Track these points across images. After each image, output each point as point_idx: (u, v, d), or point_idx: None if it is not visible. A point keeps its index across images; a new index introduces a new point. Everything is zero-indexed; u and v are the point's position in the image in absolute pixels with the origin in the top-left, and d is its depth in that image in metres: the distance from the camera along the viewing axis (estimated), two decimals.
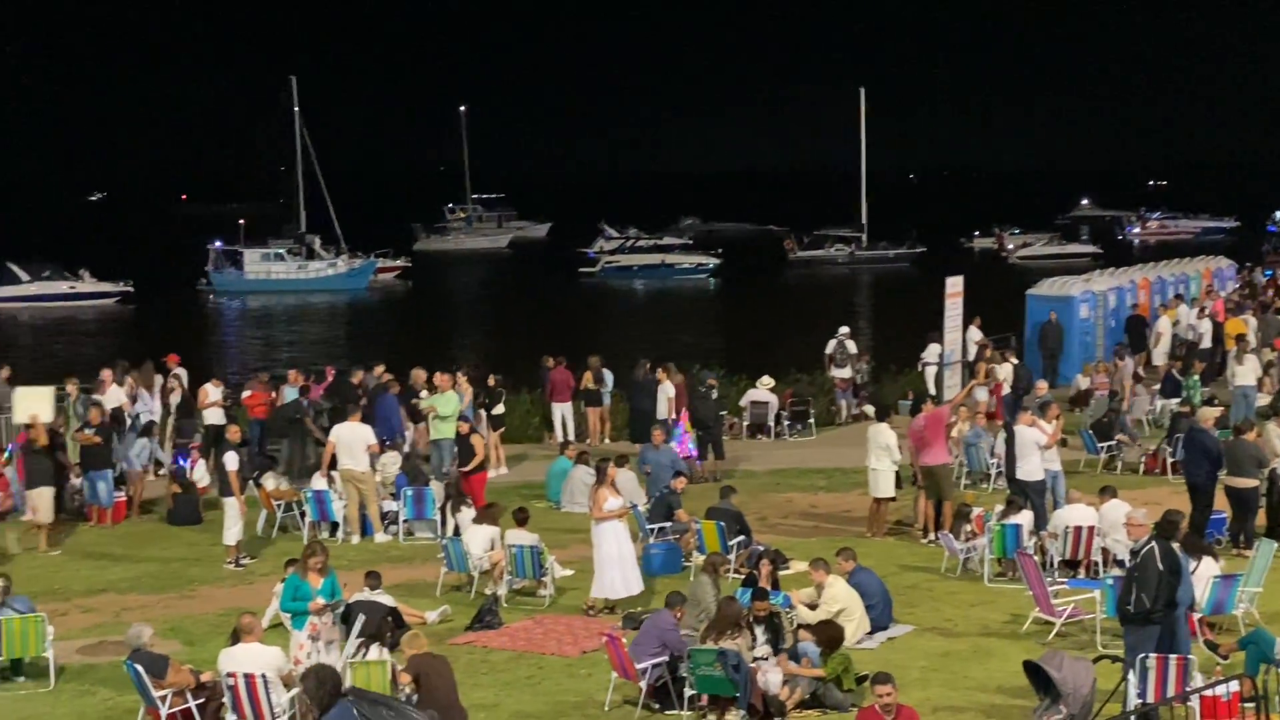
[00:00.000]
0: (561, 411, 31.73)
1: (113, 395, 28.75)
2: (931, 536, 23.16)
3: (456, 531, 22.35)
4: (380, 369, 30.85)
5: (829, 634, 17.04)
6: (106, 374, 29.61)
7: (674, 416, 30.38)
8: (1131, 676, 14.91)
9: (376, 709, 10.88)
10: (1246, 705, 14.44)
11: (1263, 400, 31.13)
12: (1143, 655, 14.93)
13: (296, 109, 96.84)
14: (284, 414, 29.12)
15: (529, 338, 49.61)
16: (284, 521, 25.33)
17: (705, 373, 32.98)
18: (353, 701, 10.69)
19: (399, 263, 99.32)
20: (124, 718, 16.39)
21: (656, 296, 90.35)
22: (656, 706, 16.21)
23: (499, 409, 29.81)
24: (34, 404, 26.49)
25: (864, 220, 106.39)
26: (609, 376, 32.60)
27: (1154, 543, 15.43)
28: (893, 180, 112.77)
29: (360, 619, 17.33)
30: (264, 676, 15.50)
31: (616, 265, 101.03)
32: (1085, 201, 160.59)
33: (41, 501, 24.57)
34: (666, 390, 30.93)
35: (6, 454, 27.64)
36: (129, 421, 27.86)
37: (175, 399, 30.61)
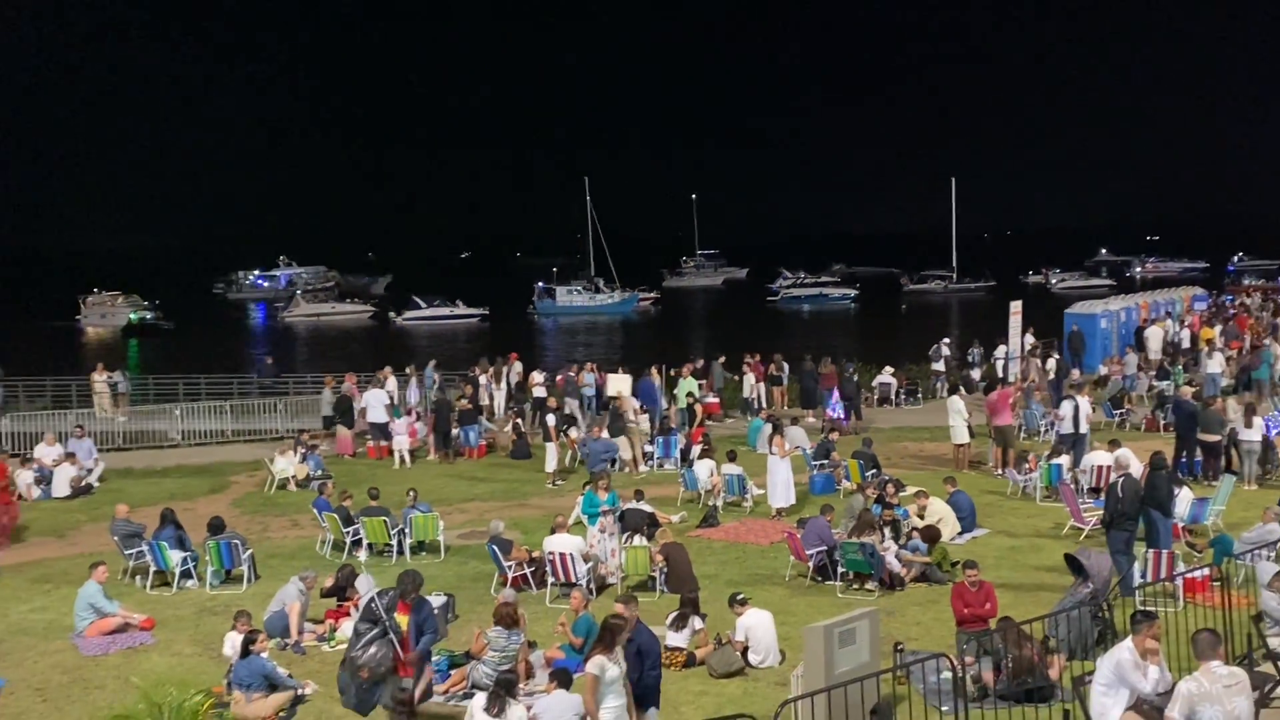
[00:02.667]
0: (757, 389, 31.67)
1: (389, 386, 28.47)
2: (1000, 471, 22.68)
3: (690, 464, 22.54)
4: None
5: (931, 534, 16.84)
6: (384, 371, 29.43)
7: (754, 397, 30.53)
8: (1135, 566, 14.55)
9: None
10: (1214, 584, 13.94)
11: (1224, 383, 30.14)
12: (1146, 550, 14.68)
13: (588, 198, 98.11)
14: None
15: (735, 343, 49.37)
16: (581, 458, 25.70)
17: (849, 363, 32.64)
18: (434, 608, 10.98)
19: (652, 295, 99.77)
20: (485, 578, 16.71)
21: (816, 315, 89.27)
22: (819, 579, 16.19)
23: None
24: (619, 385, 27.42)
25: (954, 264, 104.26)
26: (786, 366, 32.53)
27: (1121, 478, 15.35)
28: (972, 237, 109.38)
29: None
30: (571, 554, 15.85)
31: (791, 295, 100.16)
32: (1103, 250, 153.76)
33: (626, 449, 24.54)
34: (749, 379, 31.18)
35: (418, 412, 28.33)
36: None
37: (514, 381, 31.36)
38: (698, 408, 27.34)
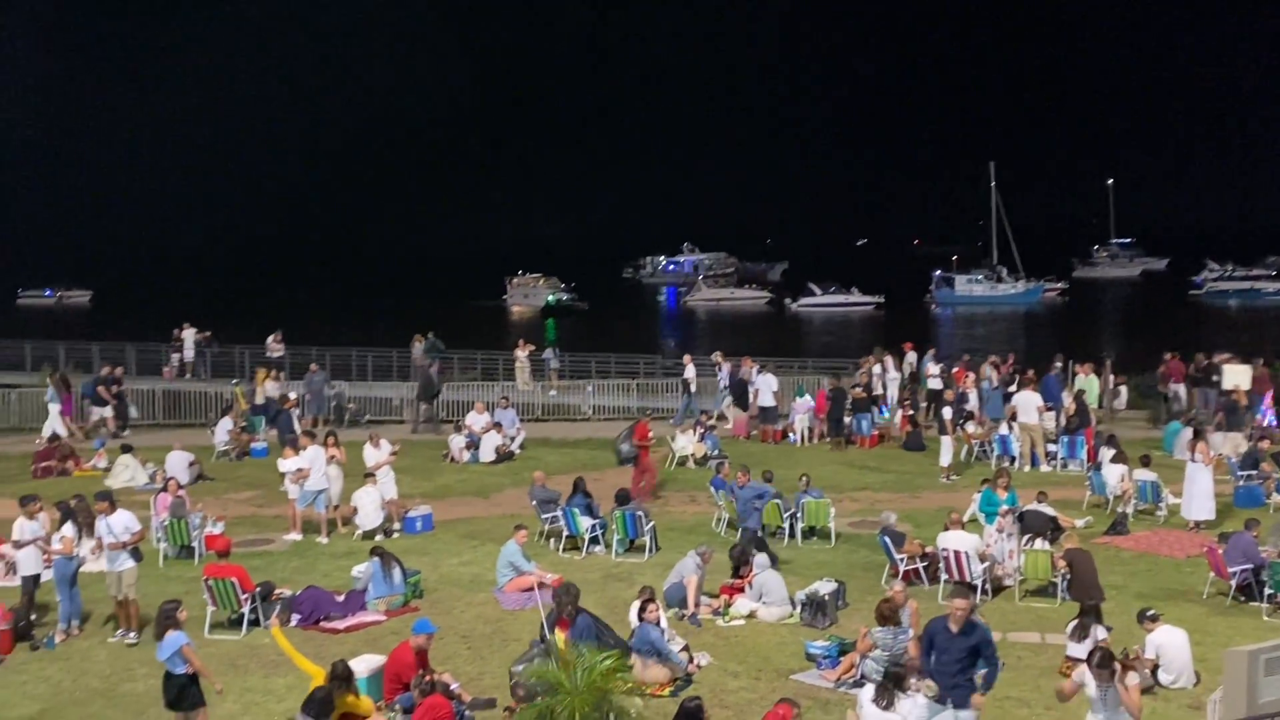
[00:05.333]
0: (1176, 390, 29.31)
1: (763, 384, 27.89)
2: None
3: (1099, 467, 21.28)
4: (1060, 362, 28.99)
5: None
6: (747, 361, 29.21)
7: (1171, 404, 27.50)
8: None
9: (605, 629, 10.02)
10: None
11: None
12: None
13: (993, 184, 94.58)
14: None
15: (1150, 338, 46.13)
16: (978, 453, 24.95)
17: None
18: (593, 618, 9.96)
19: (1060, 285, 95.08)
20: (876, 569, 16.54)
21: (1247, 312, 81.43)
22: (1242, 599, 14.86)
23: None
24: (1237, 378, 25.76)
25: None
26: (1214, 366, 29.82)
27: None
28: None
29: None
30: (966, 553, 15.46)
31: (1218, 290, 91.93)
32: None
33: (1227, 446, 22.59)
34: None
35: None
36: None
37: (906, 371, 30.87)
38: (1091, 409, 25.83)
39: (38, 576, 14.76)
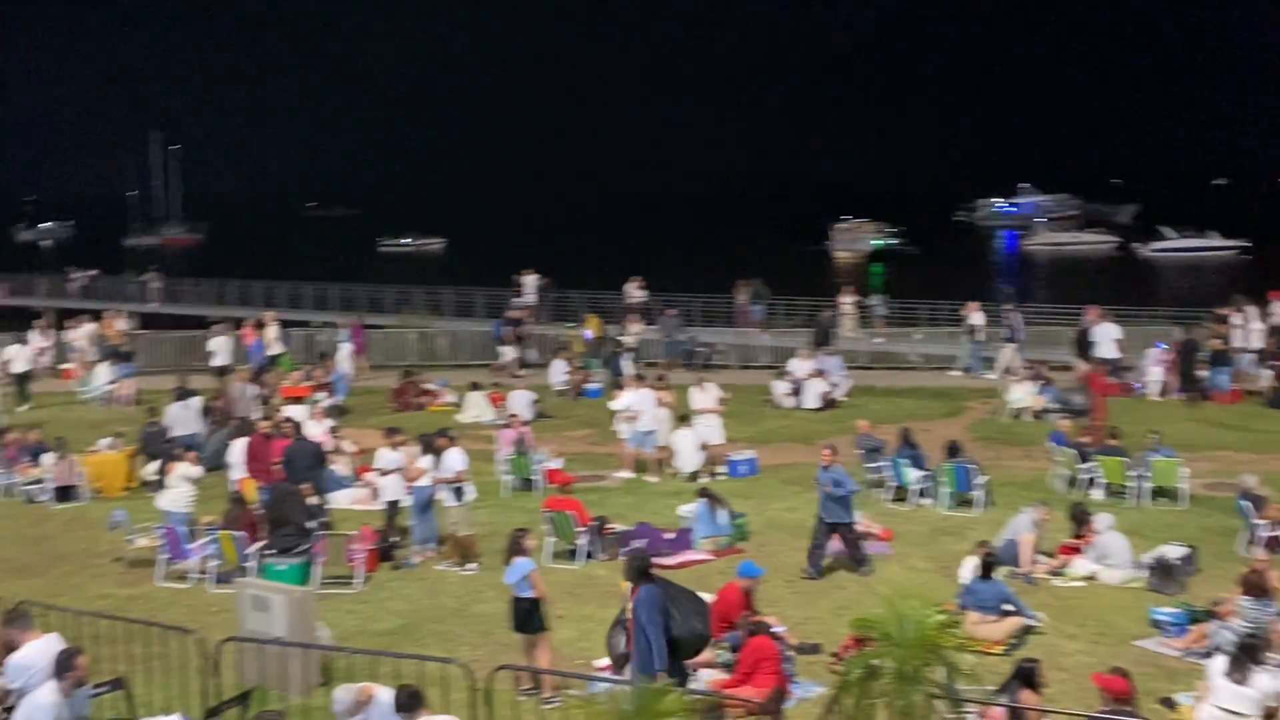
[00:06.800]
0: None
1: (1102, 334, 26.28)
2: None
3: None
4: None
5: None
6: (1093, 310, 26.98)
7: None
8: None
9: (676, 600, 9.34)
10: None
11: None
12: None
13: None
14: None
15: None
16: None
17: None
18: (661, 587, 9.26)
19: None
20: (1232, 534, 15.38)
21: None
22: None
23: None
24: None
25: None
26: None
27: None
28: None
29: None
30: None
31: None
32: None
33: None
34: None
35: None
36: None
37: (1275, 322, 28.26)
38: None
39: (398, 502, 16.15)
